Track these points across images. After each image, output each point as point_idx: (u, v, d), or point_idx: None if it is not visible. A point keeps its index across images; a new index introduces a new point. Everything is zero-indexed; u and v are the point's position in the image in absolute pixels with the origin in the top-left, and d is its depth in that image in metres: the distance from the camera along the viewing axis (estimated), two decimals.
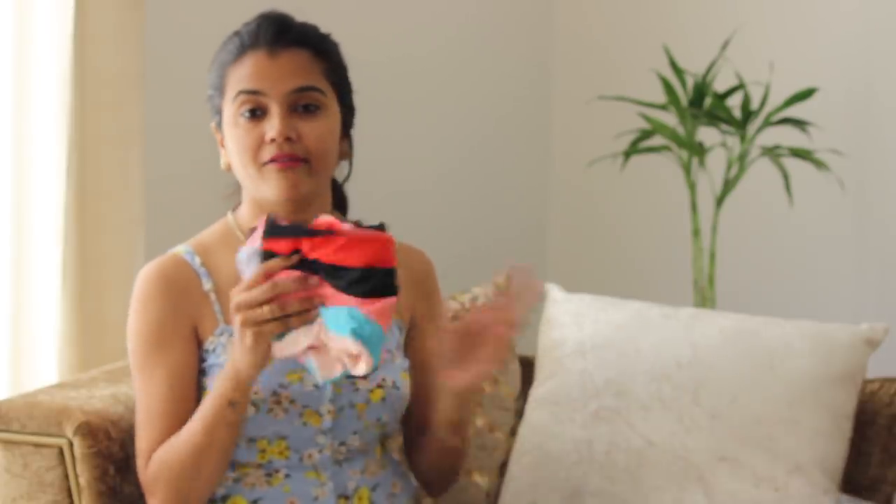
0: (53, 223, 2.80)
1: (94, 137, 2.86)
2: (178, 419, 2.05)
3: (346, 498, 2.09)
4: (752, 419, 2.44)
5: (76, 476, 2.15)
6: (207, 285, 2.11)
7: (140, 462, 2.07)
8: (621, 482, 2.45)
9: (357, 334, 1.87)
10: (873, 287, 3.67)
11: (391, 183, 3.77)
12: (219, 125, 2.13)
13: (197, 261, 2.12)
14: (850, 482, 2.50)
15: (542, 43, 4.13)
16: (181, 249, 2.14)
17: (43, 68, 2.78)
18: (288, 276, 1.88)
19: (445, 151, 3.97)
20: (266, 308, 1.87)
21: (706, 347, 2.51)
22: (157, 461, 2.04)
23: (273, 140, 2.05)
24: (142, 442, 2.07)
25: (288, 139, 2.05)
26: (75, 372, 2.79)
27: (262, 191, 2.08)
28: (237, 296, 1.89)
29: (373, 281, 1.87)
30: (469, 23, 4.01)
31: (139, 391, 2.09)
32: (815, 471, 2.42)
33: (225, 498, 2.08)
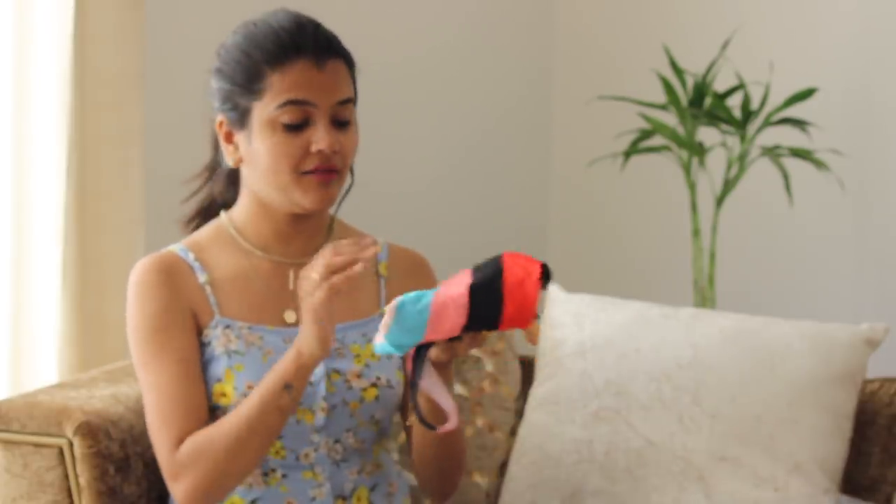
0: (53, 223, 2.80)
1: (94, 137, 2.86)
2: (196, 401, 2.04)
3: (344, 499, 2.10)
4: (752, 419, 2.44)
5: (76, 476, 2.15)
6: (202, 278, 2.11)
7: (163, 450, 2.03)
8: (621, 482, 2.45)
9: (400, 303, 1.91)
10: (873, 287, 3.67)
11: (392, 183, 3.77)
12: (238, 122, 2.10)
13: (191, 256, 2.13)
14: (850, 482, 2.50)
15: (542, 43, 4.13)
16: (174, 247, 2.15)
17: (43, 68, 2.78)
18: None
19: (446, 151, 3.97)
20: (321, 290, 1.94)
21: (706, 347, 2.51)
22: (195, 443, 2.01)
23: (320, 151, 2.05)
24: (164, 431, 2.03)
25: (335, 151, 2.06)
26: (75, 372, 2.79)
27: (292, 197, 2.08)
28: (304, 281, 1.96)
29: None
30: (469, 23, 4.01)
31: (149, 383, 2.06)
32: (815, 471, 2.42)
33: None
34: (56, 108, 2.78)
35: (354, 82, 2.12)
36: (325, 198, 2.08)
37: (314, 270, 1.95)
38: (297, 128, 2.06)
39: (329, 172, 2.07)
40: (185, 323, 2.08)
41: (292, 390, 1.98)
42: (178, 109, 2.97)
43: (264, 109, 2.06)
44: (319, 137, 2.05)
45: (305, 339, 1.97)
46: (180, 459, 2.01)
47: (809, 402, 2.44)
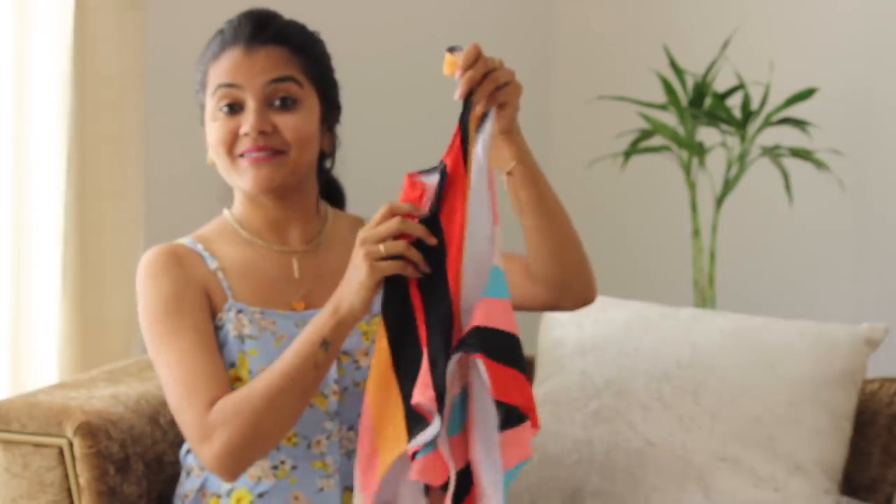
0: (53, 223, 2.80)
1: (94, 137, 2.86)
2: (219, 370, 2.02)
3: (352, 490, 2.09)
4: (752, 419, 2.44)
5: (76, 476, 2.16)
6: (213, 265, 2.12)
7: (192, 417, 1.98)
8: (621, 482, 2.45)
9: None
10: (873, 287, 3.67)
11: (391, 182, 3.77)
12: (202, 121, 2.15)
13: (199, 246, 2.14)
14: (850, 482, 2.50)
15: (542, 43, 4.13)
16: (182, 240, 2.16)
17: (43, 69, 2.78)
18: (415, 223, 1.96)
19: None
20: (385, 245, 1.91)
21: (706, 347, 2.51)
22: (229, 402, 1.97)
23: (247, 134, 2.07)
24: (192, 400, 1.99)
25: (262, 133, 2.07)
26: (75, 372, 2.79)
27: (238, 182, 2.11)
28: (364, 231, 1.93)
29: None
30: (469, 22, 4.01)
31: (168, 361, 2.03)
32: (815, 471, 2.42)
33: (230, 492, 2.08)
34: (56, 108, 2.78)
35: (312, 67, 2.12)
36: (264, 178, 2.08)
37: (384, 226, 1.94)
38: (232, 113, 2.09)
39: (261, 153, 2.07)
40: (200, 301, 2.08)
41: (329, 347, 1.95)
42: (178, 110, 2.97)
43: (209, 101, 2.12)
44: (246, 119, 2.08)
45: (348, 295, 1.94)
46: (213, 419, 1.98)
47: (809, 402, 2.45)
